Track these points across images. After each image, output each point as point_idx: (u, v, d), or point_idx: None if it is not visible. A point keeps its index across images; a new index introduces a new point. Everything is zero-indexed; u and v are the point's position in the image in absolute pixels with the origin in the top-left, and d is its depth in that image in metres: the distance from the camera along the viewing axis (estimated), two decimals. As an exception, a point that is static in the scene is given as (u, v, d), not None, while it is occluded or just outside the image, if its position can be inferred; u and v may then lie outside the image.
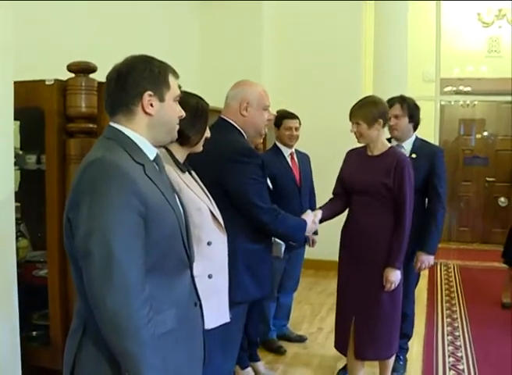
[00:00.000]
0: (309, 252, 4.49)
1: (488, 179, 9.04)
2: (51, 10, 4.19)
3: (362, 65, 7.04)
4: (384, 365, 3.38)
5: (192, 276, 1.84)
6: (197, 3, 6.84)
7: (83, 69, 2.92)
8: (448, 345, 4.51)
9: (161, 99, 1.69)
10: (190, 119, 2.21)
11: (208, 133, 2.37)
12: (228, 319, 2.39)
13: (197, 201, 2.27)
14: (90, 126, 2.96)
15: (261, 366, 3.96)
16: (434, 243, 3.66)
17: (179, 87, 1.82)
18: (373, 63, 6.80)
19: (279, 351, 4.35)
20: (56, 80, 2.93)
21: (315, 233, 4.38)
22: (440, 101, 7.71)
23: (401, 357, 3.93)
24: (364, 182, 3.14)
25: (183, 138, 2.24)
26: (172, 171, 2.20)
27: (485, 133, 9.19)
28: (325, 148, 6.12)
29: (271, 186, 3.72)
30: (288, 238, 3.06)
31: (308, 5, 6.91)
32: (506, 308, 5.36)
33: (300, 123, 4.33)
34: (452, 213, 9.26)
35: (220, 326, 2.33)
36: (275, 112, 5.29)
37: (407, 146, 3.68)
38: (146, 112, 1.67)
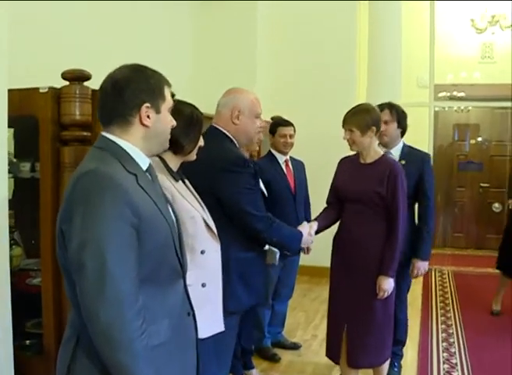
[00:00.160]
0: (303, 259, 4.49)
1: (482, 184, 9.06)
2: (43, 15, 4.19)
3: (356, 72, 7.04)
4: (378, 372, 3.37)
5: (185, 286, 1.84)
6: (191, 3, 6.83)
7: (77, 77, 2.92)
8: (443, 352, 4.51)
9: (158, 111, 1.70)
10: (184, 127, 2.22)
11: (201, 142, 2.37)
12: (222, 328, 2.38)
13: (191, 210, 2.26)
14: (85, 134, 2.95)
15: (255, 373, 3.95)
16: (428, 248, 3.68)
17: (173, 95, 1.83)
18: (367, 69, 6.82)
19: (274, 359, 4.34)
20: (50, 88, 2.93)
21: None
22: (434, 107, 7.72)
23: (396, 364, 3.93)
24: (357, 190, 3.14)
25: (176, 147, 2.24)
26: (165, 180, 2.20)
27: (480, 139, 9.22)
28: (319, 154, 6.12)
29: (266, 193, 3.72)
30: (283, 247, 3.06)
31: (303, 5, 6.92)
32: (495, 316, 5.35)
33: (294, 131, 4.34)
34: (446, 219, 9.28)
35: (214, 335, 2.32)
36: (269, 118, 5.32)
37: (395, 152, 3.69)
38: (143, 124, 1.67)
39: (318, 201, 3.54)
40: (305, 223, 3.01)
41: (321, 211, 3.45)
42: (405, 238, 3.19)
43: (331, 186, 3.44)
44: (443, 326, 5.18)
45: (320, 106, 6.76)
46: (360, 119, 3.10)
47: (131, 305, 1.49)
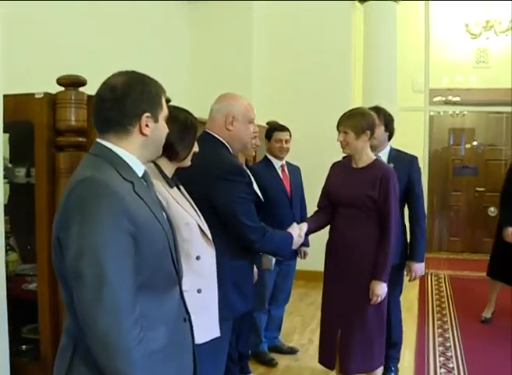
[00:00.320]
0: (299, 263, 4.50)
1: (478, 189, 9.09)
2: (36, 20, 4.20)
3: (352, 76, 7.07)
4: None
5: (181, 292, 1.84)
6: (186, 3, 6.85)
7: (72, 83, 2.92)
8: (439, 356, 4.51)
9: (156, 120, 1.71)
10: (178, 133, 2.22)
11: (196, 148, 2.37)
12: (218, 334, 2.38)
13: (186, 216, 2.26)
14: (80, 139, 2.96)
15: (252, 378, 3.95)
16: (422, 250, 3.71)
17: (169, 101, 1.83)
18: (362, 74, 6.85)
19: (271, 364, 4.33)
20: (46, 94, 2.93)
21: (306, 245, 4.40)
22: (429, 112, 7.75)
23: (393, 368, 3.93)
24: (350, 195, 3.14)
25: (171, 153, 2.25)
26: (160, 186, 2.20)
27: (475, 143, 9.25)
28: (315, 158, 6.13)
29: (262, 198, 3.72)
30: (275, 255, 3.06)
31: (298, 7, 6.95)
32: (485, 323, 5.32)
33: (290, 136, 4.34)
34: (442, 223, 9.30)
35: (210, 340, 2.32)
36: (265, 123, 5.33)
37: (383, 156, 3.70)
38: (142, 133, 1.67)
39: (315, 205, 3.54)
40: (295, 224, 2.99)
41: (311, 214, 3.46)
42: (396, 241, 3.20)
43: (322, 190, 3.44)
44: (440, 330, 5.18)
45: (316, 110, 6.78)
46: (355, 121, 3.11)
47: (128, 313, 1.49)
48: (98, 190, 1.51)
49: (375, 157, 3.25)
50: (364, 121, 3.12)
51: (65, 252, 1.52)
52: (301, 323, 5.38)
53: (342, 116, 3.19)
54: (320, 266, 3.38)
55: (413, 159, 3.78)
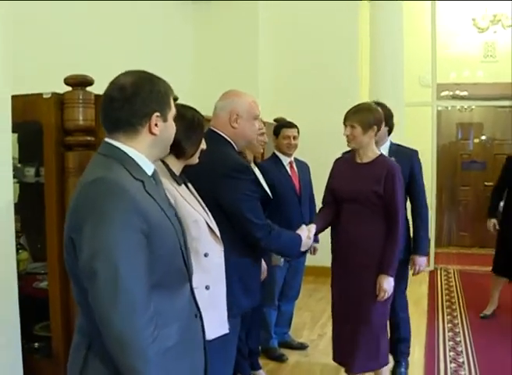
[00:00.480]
0: (309, 259, 4.50)
1: (486, 183, 9.03)
2: (41, 19, 4.22)
3: (359, 71, 7.06)
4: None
5: (191, 288, 1.85)
6: (191, 3, 6.86)
7: (80, 83, 2.93)
8: (449, 351, 4.51)
9: (165, 119, 1.72)
10: (185, 131, 2.23)
11: (203, 145, 2.38)
12: (227, 330, 2.39)
13: (194, 214, 2.27)
14: (88, 139, 2.97)
15: (262, 374, 3.96)
16: (425, 243, 3.73)
17: (176, 99, 1.84)
18: (369, 69, 6.84)
19: (281, 360, 4.35)
20: (53, 94, 2.95)
21: (316, 241, 4.41)
22: (437, 107, 7.72)
23: (403, 363, 3.94)
24: (354, 190, 3.12)
25: (178, 151, 2.26)
26: (168, 184, 2.20)
27: (483, 138, 9.21)
28: (323, 154, 6.11)
29: (270, 195, 3.73)
30: (282, 254, 3.05)
31: (304, 6, 6.95)
32: (485, 319, 5.31)
33: (298, 132, 4.35)
34: (451, 218, 9.28)
35: (219, 337, 2.33)
36: (272, 120, 5.34)
37: (383, 151, 3.69)
38: (152, 133, 1.68)
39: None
40: (304, 226, 2.97)
41: (317, 212, 3.45)
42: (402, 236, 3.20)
43: (326, 186, 3.43)
44: (449, 325, 5.18)
45: (323, 107, 6.77)
46: (363, 116, 3.10)
47: (143, 311, 1.50)
48: (110, 190, 1.52)
49: (379, 152, 3.25)
50: (371, 116, 3.11)
51: (79, 253, 1.53)
52: (311, 318, 5.39)
53: (349, 111, 3.18)
54: (329, 262, 3.38)
55: (413, 153, 3.79)
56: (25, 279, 3.19)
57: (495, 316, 5.33)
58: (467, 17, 7.98)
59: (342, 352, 3.31)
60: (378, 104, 3.67)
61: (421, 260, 3.67)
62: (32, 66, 3.84)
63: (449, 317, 5.42)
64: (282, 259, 3.68)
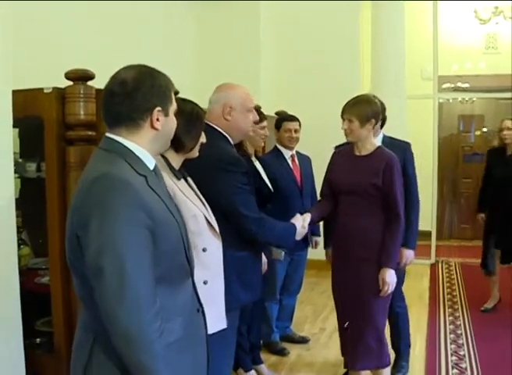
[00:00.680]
0: (310, 253, 4.50)
1: (487, 176, 9.02)
2: (43, 15, 4.20)
3: (360, 63, 7.04)
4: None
5: (193, 283, 1.86)
6: (193, 3, 6.84)
7: (80, 77, 2.92)
8: (450, 343, 4.52)
9: (166, 114, 1.71)
10: (185, 125, 2.22)
11: (203, 139, 2.37)
12: (225, 325, 2.40)
13: (193, 209, 2.27)
14: (90, 133, 2.96)
15: (264, 368, 3.97)
16: (414, 237, 3.67)
17: (177, 93, 1.83)
18: (371, 62, 6.81)
19: (283, 353, 4.36)
20: (54, 88, 2.94)
21: (317, 234, 4.41)
22: (439, 99, 7.70)
23: (404, 356, 3.91)
24: (352, 182, 3.10)
25: (178, 145, 2.24)
26: (167, 178, 2.19)
27: (485, 130, 9.18)
28: (325, 148, 6.11)
29: (271, 188, 3.73)
30: (278, 245, 3.04)
31: (305, 5, 6.93)
32: (486, 312, 5.32)
33: (300, 125, 4.33)
34: (452, 210, 9.27)
35: (218, 331, 2.33)
36: (272, 112, 5.32)
37: (377, 143, 3.68)
38: (153, 127, 1.68)
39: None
40: (298, 215, 2.95)
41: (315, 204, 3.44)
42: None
43: (324, 178, 3.42)
44: (451, 317, 5.18)
45: (325, 100, 6.73)
46: (361, 109, 3.06)
47: (149, 307, 1.50)
48: (114, 185, 1.52)
49: (378, 144, 3.22)
50: (369, 109, 3.07)
51: (85, 250, 1.53)
52: (312, 312, 5.40)
53: (347, 104, 3.14)
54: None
55: (406, 146, 3.77)
56: (26, 274, 3.18)
57: (496, 310, 5.33)
58: (468, 9, 7.94)
59: (346, 348, 3.30)
60: (372, 96, 3.65)
61: (408, 253, 3.62)
62: (33, 63, 3.82)
63: (450, 310, 5.42)
64: (283, 253, 3.67)
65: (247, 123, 2.72)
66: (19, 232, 3.03)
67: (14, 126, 2.85)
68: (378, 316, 3.10)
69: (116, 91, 1.64)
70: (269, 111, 4.92)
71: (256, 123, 2.90)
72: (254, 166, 3.68)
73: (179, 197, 2.23)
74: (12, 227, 2.84)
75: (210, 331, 2.17)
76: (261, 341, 4.19)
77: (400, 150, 3.64)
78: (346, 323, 3.22)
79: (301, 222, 2.88)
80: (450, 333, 4.75)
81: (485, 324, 4.95)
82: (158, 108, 1.67)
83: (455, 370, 3.99)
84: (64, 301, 3.01)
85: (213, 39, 7.04)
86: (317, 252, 4.56)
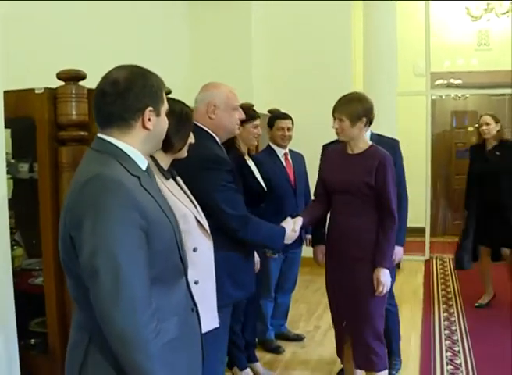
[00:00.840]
0: (305, 250, 4.49)
1: (481, 171, 9.04)
2: (36, 15, 4.18)
3: (352, 61, 7.05)
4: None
5: (187, 282, 1.86)
6: (185, 3, 6.84)
7: (72, 77, 2.91)
8: (445, 340, 4.53)
9: (158, 114, 1.71)
10: (174, 125, 2.21)
11: (192, 139, 2.37)
12: (217, 324, 2.40)
13: (182, 208, 2.26)
14: (82, 133, 2.95)
15: (259, 366, 3.97)
16: (403, 234, 3.66)
17: (169, 92, 1.83)
18: (363, 59, 6.82)
19: (278, 351, 4.36)
20: (46, 89, 2.92)
21: (311, 232, 4.41)
22: (431, 96, 7.71)
23: (395, 353, 3.87)
24: (345, 181, 3.07)
25: (167, 145, 2.24)
26: (156, 178, 2.20)
27: (477, 126, 9.18)
28: (318, 146, 6.12)
29: (265, 187, 3.73)
30: (264, 246, 3.02)
31: (296, 5, 6.94)
32: (480, 308, 5.32)
33: (292, 124, 4.33)
34: (446, 207, 9.29)
35: (210, 330, 2.33)
36: (265, 111, 5.32)
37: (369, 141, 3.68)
38: (145, 128, 1.67)
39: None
40: (289, 218, 2.94)
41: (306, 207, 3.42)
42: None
43: (318, 178, 3.39)
44: (445, 314, 5.20)
45: (317, 98, 6.72)
46: (351, 108, 3.02)
47: (145, 307, 1.51)
48: (107, 186, 1.52)
49: (370, 143, 3.18)
50: (360, 107, 3.03)
51: (79, 251, 1.52)
52: (307, 310, 5.41)
53: (337, 102, 3.10)
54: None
55: (394, 143, 3.75)
56: (20, 275, 3.18)
57: (490, 306, 5.34)
58: (460, 6, 7.95)
59: (339, 347, 3.30)
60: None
61: (397, 250, 3.62)
62: (26, 66, 3.79)
63: (444, 306, 5.44)
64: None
65: (232, 121, 2.72)
66: (12, 233, 3.02)
67: (6, 127, 2.83)
68: (375, 316, 3.08)
69: (108, 91, 1.63)
70: (262, 109, 4.91)
71: (242, 121, 2.90)
72: (248, 165, 3.67)
73: (169, 197, 2.22)
74: (5, 228, 2.83)
75: (202, 330, 2.18)
76: (256, 339, 4.19)
77: (389, 147, 3.62)
78: (344, 323, 3.20)
79: (292, 225, 2.88)
80: (445, 330, 4.76)
81: (479, 320, 4.96)
82: (150, 109, 1.67)
83: (450, 366, 4.01)
84: (58, 301, 3.00)
85: (205, 39, 7.03)
86: (311, 250, 4.54)
